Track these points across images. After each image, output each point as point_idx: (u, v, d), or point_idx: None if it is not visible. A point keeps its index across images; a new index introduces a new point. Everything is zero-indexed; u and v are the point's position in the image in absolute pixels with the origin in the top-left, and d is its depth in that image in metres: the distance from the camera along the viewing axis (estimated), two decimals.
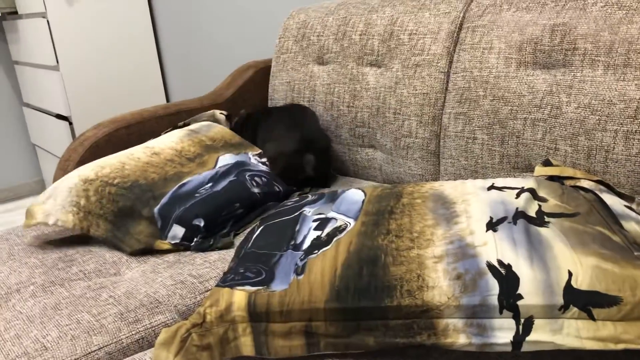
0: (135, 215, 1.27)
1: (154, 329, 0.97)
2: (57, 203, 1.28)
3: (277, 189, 1.40)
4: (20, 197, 3.48)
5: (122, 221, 1.27)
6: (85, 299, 1.04)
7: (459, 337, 0.74)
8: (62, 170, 1.56)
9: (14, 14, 2.97)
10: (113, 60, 2.79)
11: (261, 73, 1.84)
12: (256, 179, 1.40)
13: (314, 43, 1.62)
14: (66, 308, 1.01)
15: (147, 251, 1.23)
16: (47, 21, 2.59)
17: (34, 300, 1.06)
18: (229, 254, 1.18)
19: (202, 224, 1.24)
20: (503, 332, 0.73)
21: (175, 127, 1.65)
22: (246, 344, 0.81)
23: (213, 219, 1.26)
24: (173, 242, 1.23)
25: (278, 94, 1.72)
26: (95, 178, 1.31)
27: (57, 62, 2.65)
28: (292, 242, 0.90)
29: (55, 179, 1.57)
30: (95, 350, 0.92)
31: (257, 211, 1.35)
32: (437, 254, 0.80)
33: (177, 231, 1.24)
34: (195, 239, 1.23)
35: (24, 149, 3.45)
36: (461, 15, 1.28)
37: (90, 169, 1.34)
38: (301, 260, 0.85)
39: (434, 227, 0.86)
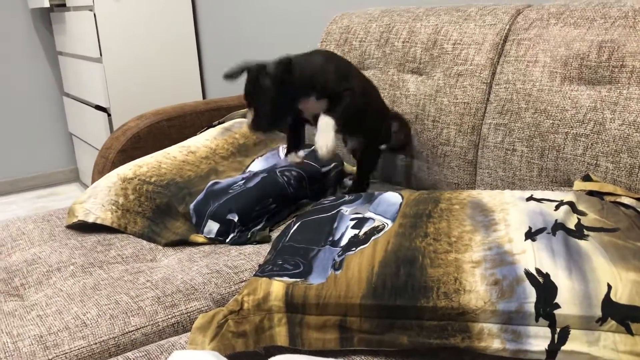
0: (173, 212, 1.31)
1: (189, 314, 0.99)
2: (97, 202, 1.33)
3: (305, 184, 1.42)
4: (54, 185, 3.56)
5: (159, 217, 1.30)
6: (123, 281, 1.07)
7: (494, 341, 0.75)
8: (104, 157, 1.60)
9: (62, 6, 3.06)
10: (154, 56, 2.85)
11: None
12: (287, 173, 1.42)
13: (356, 48, 1.64)
14: (105, 289, 1.04)
15: (182, 242, 1.25)
16: (94, 14, 2.67)
17: (73, 280, 1.09)
18: (264, 248, 1.20)
19: (236, 218, 1.27)
20: (538, 340, 0.73)
21: (210, 125, 1.68)
22: (281, 334, 0.83)
23: (247, 213, 1.29)
24: (208, 236, 1.26)
25: None
26: (133, 177, 1.35)
27: (101, 54, 2.72)
28: (330, 239, 0.92)
29: (96, 166, 1.62)
30: (132, 331, 0.94)
31: (291, 208, 1.37)
32: (475, 259, 0.81)
33: (212, 226, 1.27)
34: (231, 234, 1.26)
35: (62, 137, 3.53)
36: (507, 27, 1.29)
37: (128, 168, 1.39)
38: (339, 256, 0.87)
39: (472, 233, 0.87)
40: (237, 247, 1.22)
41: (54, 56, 3.41)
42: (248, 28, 2.55)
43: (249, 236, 1.26)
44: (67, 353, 0.89)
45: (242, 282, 1.08)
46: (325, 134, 1.16)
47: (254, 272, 1.00)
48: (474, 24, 1.35)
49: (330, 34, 1.74)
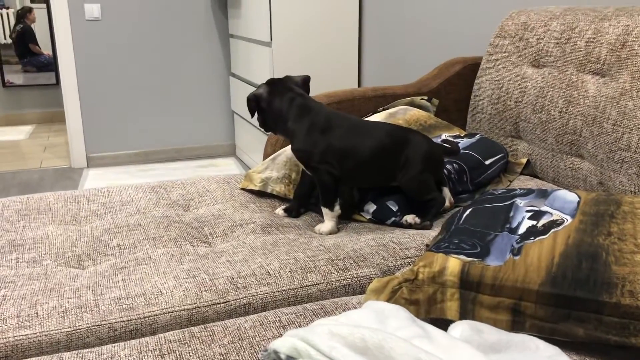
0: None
1: (359, 279, 1.07)
2: (274, 175, 1.46)
3: (466, 178, 1.44)
4: (213, 157, 3.89)
5: None
6: (298, 243, 1.17)
7: None
8: None
9: None
10: (318, 43, 3.00)
11: (468, 69, 1.87)
12: (447, 166, 1.44)
13: (532, 45, 1.61)
14: (283, 246, 1.15)
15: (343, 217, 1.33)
16: (269, 1, 2.86)
17: (254, 235, 1.22)
18: (427, 233, 1.24)
19: (395, 208, 1.31)
20: None
21: (376, 112, 1.75)
22: (452, 309, 0.87)
23: (406, 204, 1.33)
24: (367, 216, 1.33)
25: (483, 91, 1.74)
26: None
27: (271, 38, 2.91)
28: (508, 226, 0.94)
29: (269, 139, 1.76)
30: (309, 285, 1.04)
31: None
32: None
33: (369, 207, 1.34)
34: (393, 218, 1.31)
35: (224, 114, 3.84)
36: None
37: None
38: (517, 243, 0.89)
39: None
40: (401, 228, 1.27)
41: (225, 38, 3.70)
42: (412, 23, 2.59)
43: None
44: (254, 295, 1.00)
45: (407, 257, 1.13)
46: (325, 223, 1.27)
47: (426, 249, 1.05)
48: None
49: (505, 30, 1.72)
